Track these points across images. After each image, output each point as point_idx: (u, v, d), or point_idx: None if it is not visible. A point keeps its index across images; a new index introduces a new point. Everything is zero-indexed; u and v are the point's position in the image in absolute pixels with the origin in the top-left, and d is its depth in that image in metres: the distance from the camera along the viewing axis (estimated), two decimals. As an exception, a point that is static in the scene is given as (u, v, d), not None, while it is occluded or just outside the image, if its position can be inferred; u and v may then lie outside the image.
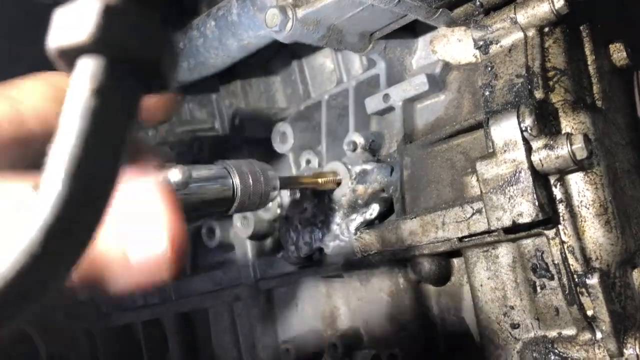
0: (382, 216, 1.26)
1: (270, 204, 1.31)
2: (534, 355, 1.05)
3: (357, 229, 1.24)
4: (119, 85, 0.37)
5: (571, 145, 0.93)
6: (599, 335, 0.98)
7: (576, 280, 0.98)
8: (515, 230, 1.02)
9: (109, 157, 0.37)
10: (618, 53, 1.21)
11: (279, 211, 1.35)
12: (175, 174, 0.69)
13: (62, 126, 0.36)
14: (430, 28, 1.27)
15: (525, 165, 0.95)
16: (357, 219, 1.24)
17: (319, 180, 1.26)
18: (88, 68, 0.37)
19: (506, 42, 1.10)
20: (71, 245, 0.37)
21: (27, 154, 0.54)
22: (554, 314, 1.03)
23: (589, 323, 0.98)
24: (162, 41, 0.39)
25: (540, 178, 0.97)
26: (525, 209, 0.95)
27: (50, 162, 0.36)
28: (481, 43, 1.12)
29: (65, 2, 0.38)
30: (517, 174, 0.96)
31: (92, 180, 0.37)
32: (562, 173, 0.99)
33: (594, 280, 0.96)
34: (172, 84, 0.41)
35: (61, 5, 0.38)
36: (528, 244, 1.04)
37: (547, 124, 0.99)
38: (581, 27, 1.15)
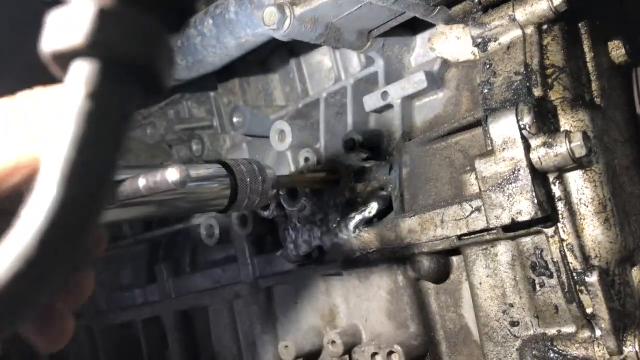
0: (381, 214, 1.25)
1: (268, 202, 1.31)
2: (533, 352, 1.05)
3: (355, 227, 1.23)
4: (113, 89, 0.37)
5: (570, 142, 0.92)
6: (598, 332, 0.98)
7: (575, 278, 0.98)
8: (514, 228, 1.02)
9: (104, 160, 0.37)
10: (617, 50, 1.21)
11: (277, 210, 1.35)
12: (172, 173, 0.68)
13: (57, 130, 0.36)
14: (428, 25, 1.26)
15: (524, 163, 0.95)
16: (356, 217, 1.23)
17: (318, 178, 1.25)
18: (82, 71, 0.37)
19: (504, 39, 1.09)
20: (67, 250, 0.36)
21: None
22: (553, 312, 1.03)
23: (589, 321, 0.98)
24: (158, 44, 0.38)
25: (539, 176, 0.97)
26: (524, 207, 0.95)
27: (45, 166, 0.36)
28: (479, 40, 1.12)
29: (62, 0, 0.38)
30: (515, 172, 0.96)
31: (87, 184, 0.37)
32: (561, 171, 0.98)
33: (593, 278, 0.96)
34: (168, 87, 0.41)
35: (58, 4, 0.37)
36: (527, 242, 1.04)
37: (545, 121, 0.99)
38: (580, 25, 1.14)
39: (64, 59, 0.37)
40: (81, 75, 0.36)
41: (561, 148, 0.93)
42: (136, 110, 0.40)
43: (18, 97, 0.51)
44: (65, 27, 0.36)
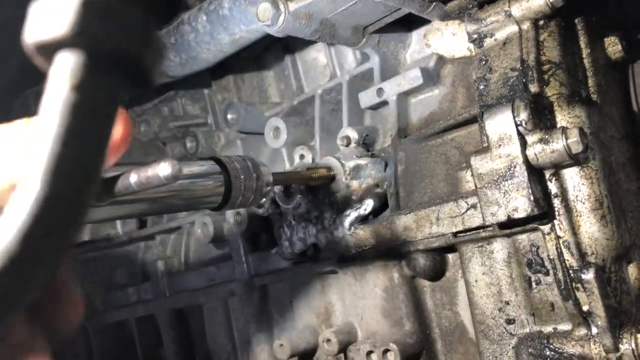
0: (377, 211, 1.25)
1: (263, 200, 1.30)
2: (530, 350, 1.04)
3: (351, 225, 1.23)
4: (99, 81, 0.36)
5: (566, 139, 0.92)
6: (594, 330, 0.97)
7: (572, 275, 0.97)
8: (510, 226, 1.01)
9: (90, 154, 0.36)
10: (613, 46, 1.20)
11: (272, 207, 1.34)
12: (164, 168, 0.66)
13: (41, 123, 0.35)
14: (424, 22, 1.26)
15: (520, 160, 0.94)
16: (352, 214, 1.23)
17: (313, 175, 1.24)
18: (67, 63, 0.35)
19: (501, 35, 1.09)
20: (51, 247, 0.35)
21: None
22: (550, 310, 1.02)
23: (585, 318, 0.98)
24: (145, 35, 0.37)
25: (536, 172, 0.96)
26: (520, 204, 0.94)
27: (29, 160, 0.35)
28: (475, 36, 1.11)
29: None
30: (512, 169, 0.95)
31: (72, 178, 0.36)
32: (557, 167, 0.98)
33: (589, 275, 0.96)
34: (156, 79, 0.40)
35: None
36: (523, 239, 1.03)
37: (542, 118, 0.98)
38: (576, 21, 1.14)
39: (48, 50, 0.36)
40: (66, 66, 0.35)
41: (558, 144, 0.92)
42: (125, 103, 0.39)
43: (15, 124, 0.50)
44: (49, 17, 0.35)
